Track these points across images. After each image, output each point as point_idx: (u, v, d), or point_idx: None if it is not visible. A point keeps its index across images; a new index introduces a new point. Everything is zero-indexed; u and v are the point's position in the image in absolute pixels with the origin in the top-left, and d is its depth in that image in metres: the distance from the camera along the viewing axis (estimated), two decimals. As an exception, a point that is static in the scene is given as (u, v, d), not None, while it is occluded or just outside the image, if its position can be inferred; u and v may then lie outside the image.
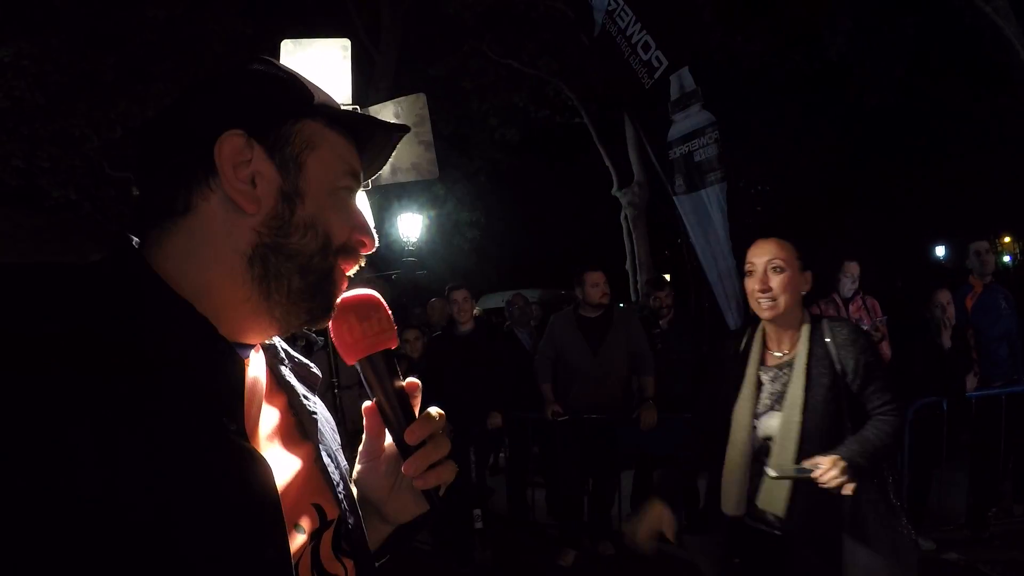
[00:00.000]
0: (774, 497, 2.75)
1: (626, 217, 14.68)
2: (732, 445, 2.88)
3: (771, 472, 2.69)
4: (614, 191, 14.87)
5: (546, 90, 15.54)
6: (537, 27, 14.51)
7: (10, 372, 0.73)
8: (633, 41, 6.19)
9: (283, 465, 1.02)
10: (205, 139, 0.93)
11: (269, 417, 1.06)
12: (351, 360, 1.10)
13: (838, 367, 2.78)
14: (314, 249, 0.98)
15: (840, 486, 2.53)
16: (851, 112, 18.58)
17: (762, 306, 2.84)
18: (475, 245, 18.71)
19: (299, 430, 1.11)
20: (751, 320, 3.09)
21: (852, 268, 5.57)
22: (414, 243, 16.90)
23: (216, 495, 0.82)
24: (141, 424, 0.78)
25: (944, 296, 5.57)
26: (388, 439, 1.17)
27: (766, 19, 16.00)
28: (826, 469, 2.52)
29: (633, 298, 13.19)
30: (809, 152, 20.67)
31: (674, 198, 6.25)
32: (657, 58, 6.07)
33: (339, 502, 1.10)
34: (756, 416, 2.86)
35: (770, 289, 2.80)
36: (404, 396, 1.11)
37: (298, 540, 0.98)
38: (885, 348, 5.44)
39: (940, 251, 28.66)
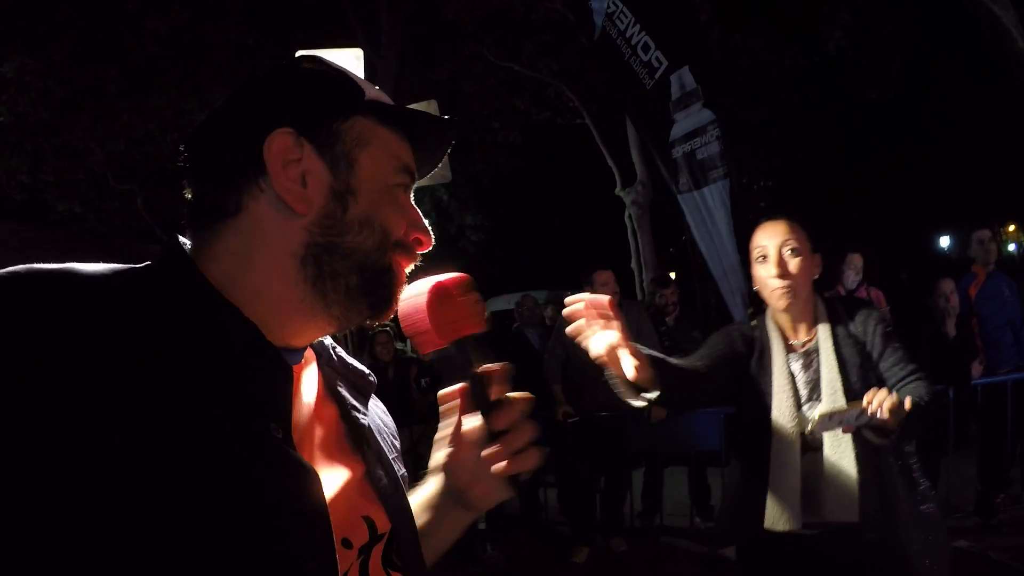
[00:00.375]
0: (843, 501, 2.43)
1: (630, 216, 14.68)
2: (778, 447, 2.54)
3: (817, 415, 2.35)
4: (618, 191, 14.87)
5: (547, 92, 15.54)
6: (536, 29, 14.50)
7: (47, 381, 0.73)
8: (633, 43, 6.23)
9: (333, 476, 0.99)
10: (254, 138, 0.93)
11: (320, 427, 1.03)
12: (445, 341, 1.07)
13: (863, 343, 2.59)
14: (371, 246, 0.97)
15: (894, 413, 2.18)
16: (851, 105, 18.58)
17: (780, 294, 2.58)
18: (480, 248, 18.73)
19: (351, 441, 1.08)
20: (757, 311, 2.86)
21: (856, 260, 5.60)
22: (420, 248, 16.75)
23: (259, 504, 0.81)
24: (183, 430, 0.78)
25: (948, 285, 5.60)
26: (470, 424, 1.15)
27: (764, 16, 16.06)
28: (874, 395, 2.20)
29: (639, 296, 13.21)
30: (810, 146, 20.66)
31: (678, 196, 6.29)
32: (657, 58, 6.10)
33: (392, 515, 1.06)
34: (799, 408, 2.58)
35: (789, 275, 2.56)
36: (491, 381, 1.11)
37: (346, 554, 0.95)
38: (890, 339, 5.46)
39: (944, 242, 28.61)
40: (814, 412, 2.45)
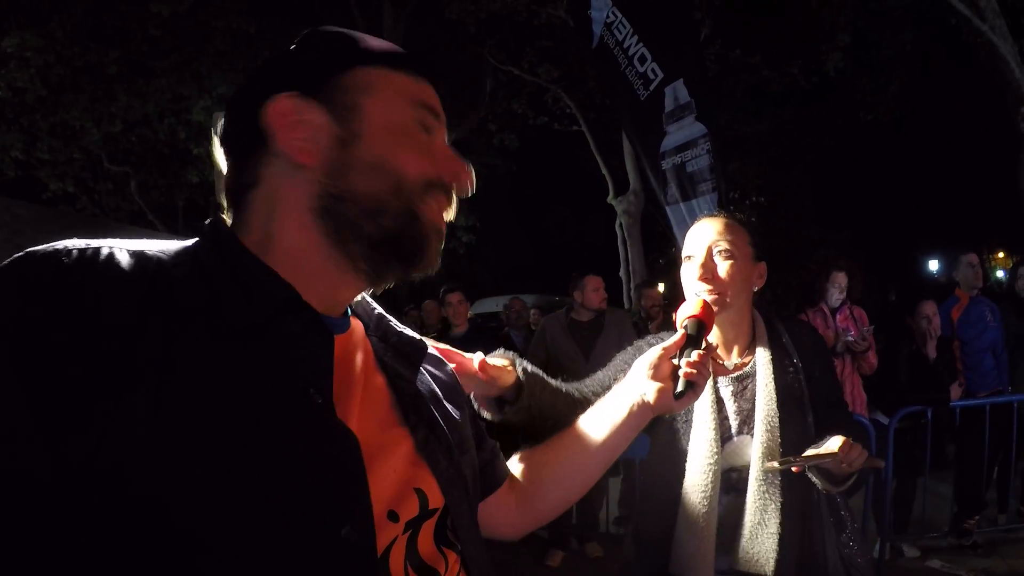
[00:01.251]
0: (759, 551, 2.08)
1: (621, 225, 14.73)
2: (693, 484, 2.14)
3: (776, 463, 1.99)
4: (610, 199, 14.93)
5: (545, 97, 15.59)
6: (538, 35, 14.58)
7: (98, 342, 0.76)
8: (630, 53, 6.26)
9: (380, 447, 0.97)
10: (258, 108, 0.95)
11: (368, 397, 1.01)
12: (697, 317, 1.63)
13: (803, 372, 2.23)
14: (383, 189, 0.95)
15: (871, 464, 1.93)
16: (847, 126, 18.68)
17: (703, 298, 1.92)
18: (471, 249, 18.74)
19: (400, 412, 1.06)
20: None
21: (840, 278, 5.63)
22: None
23: (294, 466, 0.82)
24: (221, 391, 0.80)
25: (930, 307, 5.64)
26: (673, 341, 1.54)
27: (764, 34, 16.16)
28: (845, 442, 1.87)
29: (626, 305, 13.25)
30: (805, 163, 20.77)
31: (666, 207, 6.31)
32: (653, 70, 6.13)
33: (445, 490, 1.04)
34: (722, 441, 2.17)
35: (716, 279, 2.13)
36: (704, 338, 1.60)
37: (391, 526, 0.93)
38: (872, 357, 5.51)
39: (934, 265, 28.75)
40: (744, 445, 2.15)
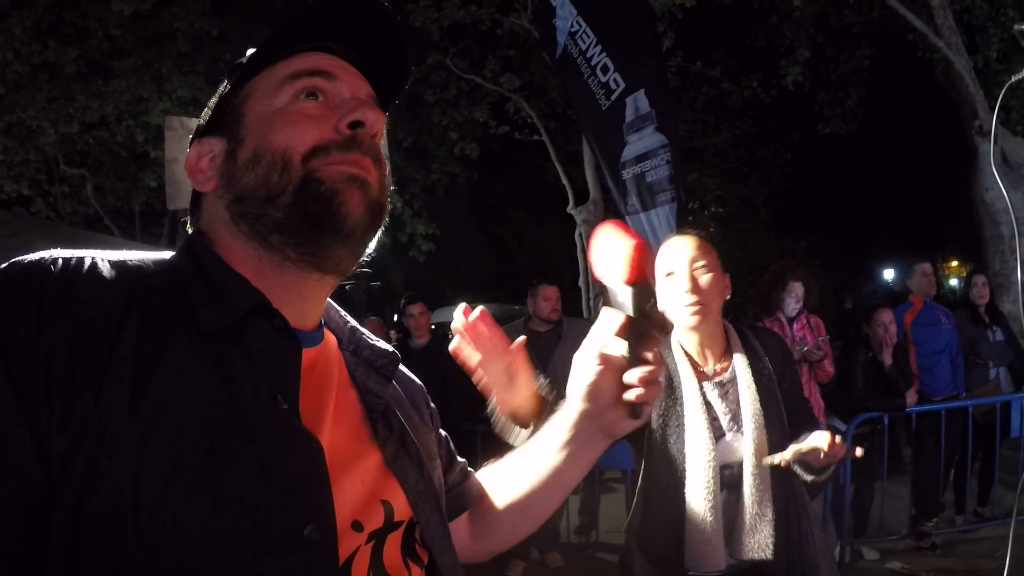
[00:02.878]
0: (759, 539, 2.29)
1: (581, 235, 14.82)
2: (694, 481, 2.32)
3: (773, 458, 2.23)
4: (570, 208, 15.00)
5: (507, 107, 15.62)
6: (501, 44, 14.64)
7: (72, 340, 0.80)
8: (593, 63, 6.30)
9: (349, 458, 0.99)
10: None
11: (338, 410, 1.02)
12: (633, 279, 1.15)
13: (775, 375, 2.47)
14: (266, 174, 0.96)
15: (848, 453, 2.25)
16: (805, 138, 18.96)
17: (692, 311, 2.38)
18: (430, 258, 18.69)
19: (370, 427, 1.07)
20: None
21: (796, 288, 5.72)
22: (369, 254, 16.52)
23: (259, 464, 0.83)
24: (189, 389, 0.83)
25: (887, 315, 5.75)
26: (615, 351, 1.17)
27: (725, 47, 16.41)
28: (831, 438, 2.14)
29: (585, 315, 13.31)
30: (762, 176, 21.05)
31: (625, 217, 6.35)
32: (615, 80, 6.18)
33: (413, 504, 1.05)
34: (715, 441, 2.36)
35: (700, 291, 2.38)
36: (653, 322, 1.17)
37: (354, 536, 0.94)
38: (828, 365, 5.60)
39: (889, 274, 29.22)
40: (735, 443, 2.37)
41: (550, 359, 5.98)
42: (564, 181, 15.25)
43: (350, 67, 1.06)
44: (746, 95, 16.18)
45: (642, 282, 1.16)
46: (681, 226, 5.88)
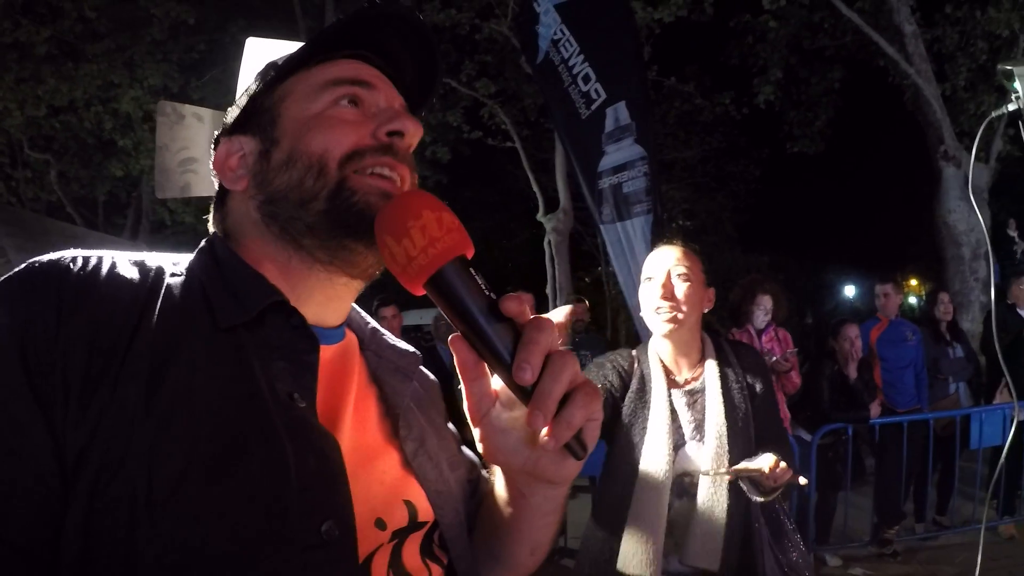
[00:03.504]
0: (708, 548, 2.30)
1: (549, 242, 14.87)
2: (646, 484, 2.33)
3: (710, 471, 2.30)
4: (539, 216, 15.05)
5: (481, 112, 15.62)
6: (478, 49, 14.68)
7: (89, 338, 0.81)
8: (574, 72, 6.30)
9: (368, 456, 0.99)
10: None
11: (359, 410, 1.02)
12: (418, 288, 0.81)
13: (749, 386, 2.50)
14: (304, 178, 0.97)
15: (791, 480, 2.24)
16: (773, 156, 19.21)
17: (662, 318, 2.38)
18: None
19: (391, 426, 1.06)
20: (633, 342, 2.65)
21: (765, 301, 5.82)
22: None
23: (277, 462, 0.83)
24: (208, 388, 0.83)
25: (852, 330, 5.89)
26: (497, 382, 0.86)
27: (699, 63, 16.59)
28: (775, 463, 2.19)
29: (552, 322, 13.36)
30: (729, 191, 21.28)
31: (600, 226, 6.37)
32: (596, 90, 6.19)
33: (434, 504, 1.03)
34: (676, 448, 2.38)
35: (674, 298, 2.39)
36: (502, 317, 0.79)
37: (376, 534, 0.93)
38: (795, 377, 5.70)
39: (849, 291, 29.62)
40: (696, 451, 2.39)
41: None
42: (535, 188, 15.28)
43: (384, 77, 1.08)
44: (718, 111, 16.39)
45: (431, 278, 0.79)
46: (657, 238, 5.94)
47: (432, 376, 1.27)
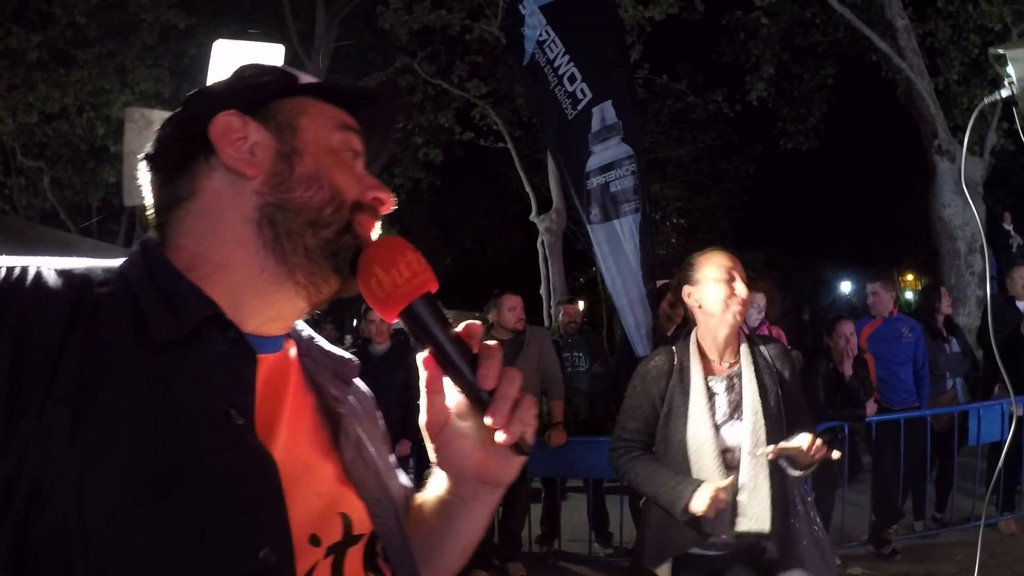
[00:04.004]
0: (758, 513, 2.69)
1: (543, 243, 14.85)
2: (699, 460, 2.75)
3: (760, 450, 2.67)
4: (532, 217, 15.03)
5: (472, 113, 15.60)
6: (469, 50, 14.68)
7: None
8: (560, 72, 6.26)
9: (305, 469, 0.96)
10: (202, 126, 0.97)
11: (296, 419, 1.00)
12: (391, 316, 0.94)
13: (778, 373, 2.88)
14: (322, 201, 0.97)
15: (825, 456, 2.61)
16: (767, 153, 19.21)
17: (733, 311, 2.79)
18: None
19: (329, 435, 1.04)
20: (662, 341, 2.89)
21: (758, 298, 5.79)
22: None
23: (212, 486, 0.80)
24: (138, 410, 0.79)
25: (848, 327, 5.86)
26: (450, 399, 0.99)
27: (692, 61, 16.59)
28: (812, 440, 2.56)
29: (546, 323, 13.36)
30: (724, 188, 21.29)
31: (588, 226, 6.32)
32: (582, 90, 6.15)
33: (373, 516, 1.02)
34: (717, 427, 2.79)
35: (745, 299, 2.82)
36: (462, 341, 0.95)
37: (312, 551, 0.91)
38: (789, 375, 5.70)
39: (846, 287, 29.62)
40: (735, 429, 2.79)
41: (512, 367, 5.94)
42: (527, 189, 15.28)
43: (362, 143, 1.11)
44: (710, 109, 16.39)
45: (407, 308, 0.93)
46: (645, 238, 5.90)
47: (367, 389, 1.26)
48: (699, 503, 2.59)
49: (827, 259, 27.41)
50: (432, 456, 1.04)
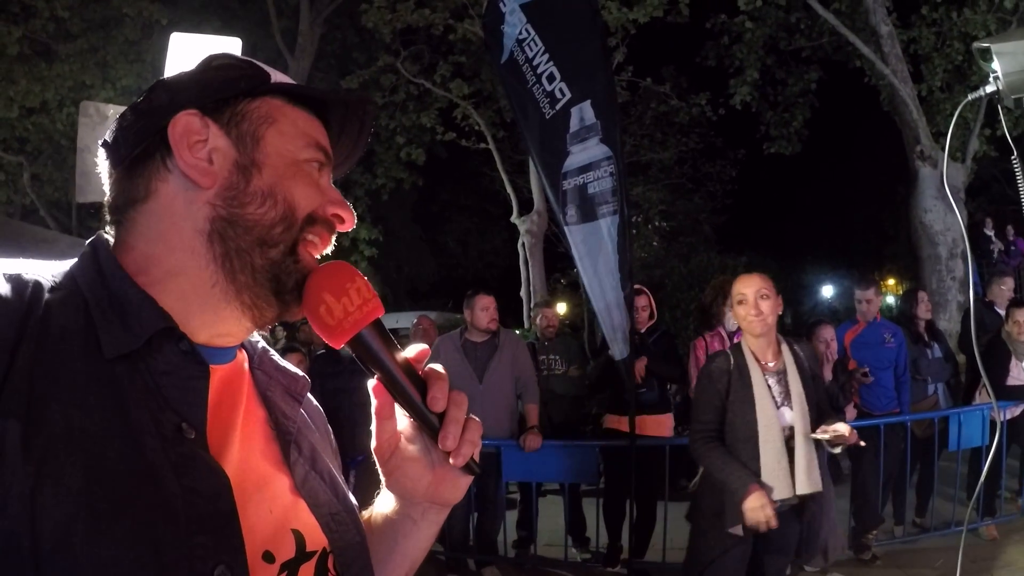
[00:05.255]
0: (812, 478, 3.51)
1: (523, 244, 14.85)
2: (767, 438, 3.55)
3: (818, 435, 3.50)
4: (513, 218, 15.03)
5: (455, 113, 15.59)
6: (453, 50, 14.66)
7: None
8: (539, 71, 6.19)
9: (258, 484, 0.94)
10: (161, 124, 0.92)
11: (248, 433, 0.98)
12: (339, 343, 0.94)
13: (810, 371, 3.74)
14: (274, 219, 0.93)
15: (857, 442, 3.54)
16: (749, 156, 19.28)
17: (755, 325, 3.64)
18: (372, 263, 18.50)
19: (281, 449, 1.02)
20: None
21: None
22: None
23: (164, 504, 0.78)
24: (87, 424, 0.76)
25: (828, 332, 5.85)
26: (400, 423, 1.03)
27: (676, 64, 16.62)
28: (849, 429, 3.47)
29: (526, 325, 13.34)
30: (706, 192, 21.36)
31: (564, 227, 6.27)
32: (561, 90, 6.10)
33: (327, 531, 1.00)
34: (777, 410, 3.61)
35: (761, 313, 3.62)
36: (410, 365, 0.97)
37: (266, 568, 0.89)
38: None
39: (827, 291, 29.74)
40: (788, 412, 3.60)
41: (486, 370, 5.93)
42: (509, 190, 15.29)
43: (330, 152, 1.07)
44: (694, 112, 16.45)
45: (357, 335, 0.94)
46: (623, 240, 5.85)
47: (317, 403, 1.24)
48: (751, 509, 3.39)
49: (809, 263, 27.52)
50: (383, 479, 1.08)
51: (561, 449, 6.28)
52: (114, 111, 3.94)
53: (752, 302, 3.64)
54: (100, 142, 0.99)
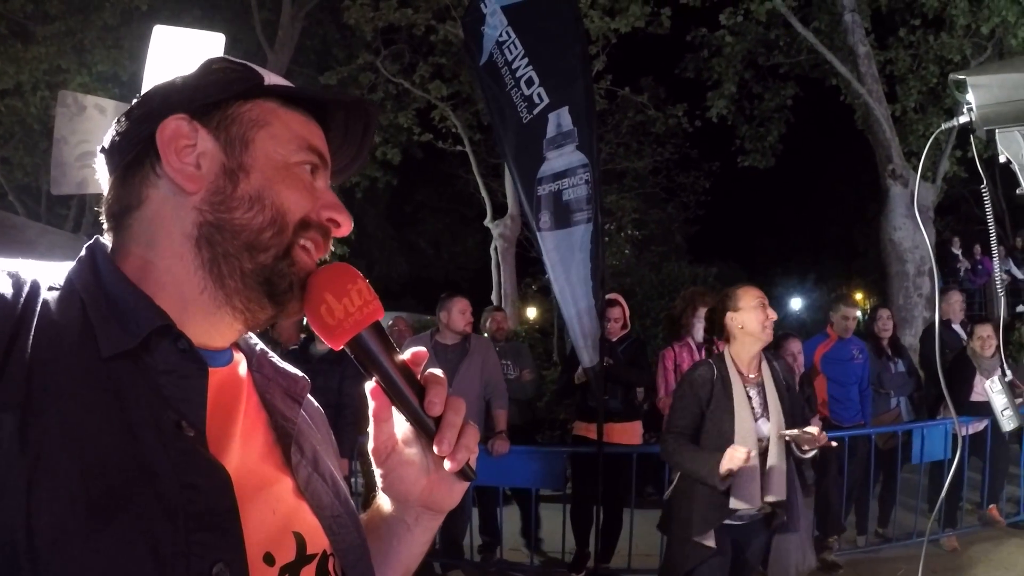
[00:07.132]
0: (780, 486, 3.59)
1: (496, 248, 14.85)
2: (742, 445, 3.51)
3: (788, 433, 3.55)
4: (487, 221, 15.03)
5: (432, 114, 15.56)
6: (434, 51, 14.66)
7: None
8: (518, 75, 6.16)
9: (259, 485, 0.94)
10: (151, 130, 0.92)
11: (248, 435, 0.98)
12: (338, 344, 0.95)
13: (786, 383, 3.85)
14: (262, 224, 0.92)
15: (826, 444, 3.59)
16: (723, 169, 19.43)
17: (769, 332, 3.73)
18: (343, 261, 18.43)
19: (282, 451, 1.01)
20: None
21: (704, 314, 5.85)
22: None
23: (163, 501, 0.78)
24: (88, 423, 0.76)
25: (795, 345, 5.93)
26: (397, 426, 1.02)
27: (654, 75, 16.71)
28: (820, 431, 3.53)
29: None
30: (679, 202, 21.49)
31: (537, 233, 6.27)
32: (539, 95, 6.11)
33: (330, 534, 0.99)
34: (755, 422, 3.67)
35: (772, 319, 3.74)
36: (408, 368, 0.98)
37: (266, 570, 0.89)
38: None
39: (796, 303, 30.04)
40: (765, 424, 3.65)
41: (455, 373, 5.90)
42: (483, 194, 15.29)
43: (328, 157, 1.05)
44: (670, 123, 16.55)
45: (356, 337, 0.94)
46: (597, 247, 5.86)
47: (318, 405, 1.24)
48: (727, 462, 3.35)
49: (779, 276, 27.81)
50: (379, 482, 1.06)
51: (528, 454, 6.28)
52: (92, 102, 3.88)
53: (767, 311, 3.75)
54: (99, 148, 0.99)
